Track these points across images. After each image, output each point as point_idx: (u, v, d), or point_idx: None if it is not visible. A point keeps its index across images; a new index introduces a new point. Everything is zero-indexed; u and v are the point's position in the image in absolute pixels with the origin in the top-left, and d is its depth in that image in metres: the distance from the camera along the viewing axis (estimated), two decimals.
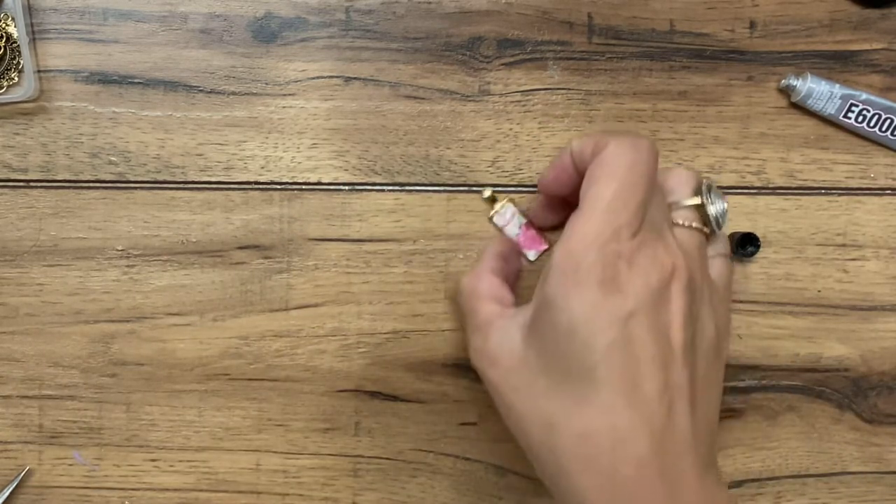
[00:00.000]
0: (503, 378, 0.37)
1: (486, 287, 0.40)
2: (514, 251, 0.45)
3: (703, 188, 0.38)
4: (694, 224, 0.38)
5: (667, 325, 0.35)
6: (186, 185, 0.46)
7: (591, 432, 0.34)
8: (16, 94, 0.44)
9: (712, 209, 0.38)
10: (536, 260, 0.46)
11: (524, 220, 0.45)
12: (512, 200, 0.45)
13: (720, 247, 0.40)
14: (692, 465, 0.34)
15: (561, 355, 0.34)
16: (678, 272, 0.35)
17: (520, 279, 0.46)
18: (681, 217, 0.38)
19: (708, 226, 0.38)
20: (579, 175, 0.38)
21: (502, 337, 0.37)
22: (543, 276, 0.36)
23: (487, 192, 0.45)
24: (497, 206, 0.45)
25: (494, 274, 0.41)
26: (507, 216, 0.45)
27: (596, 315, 0.34)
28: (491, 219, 0.45)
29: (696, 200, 0.38)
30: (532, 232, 0.45)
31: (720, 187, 0.47)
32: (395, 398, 0.47)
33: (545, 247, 0.45)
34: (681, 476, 0.34)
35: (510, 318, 0.38)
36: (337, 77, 0.46)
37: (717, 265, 0.40)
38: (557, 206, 0.43)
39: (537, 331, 0.36)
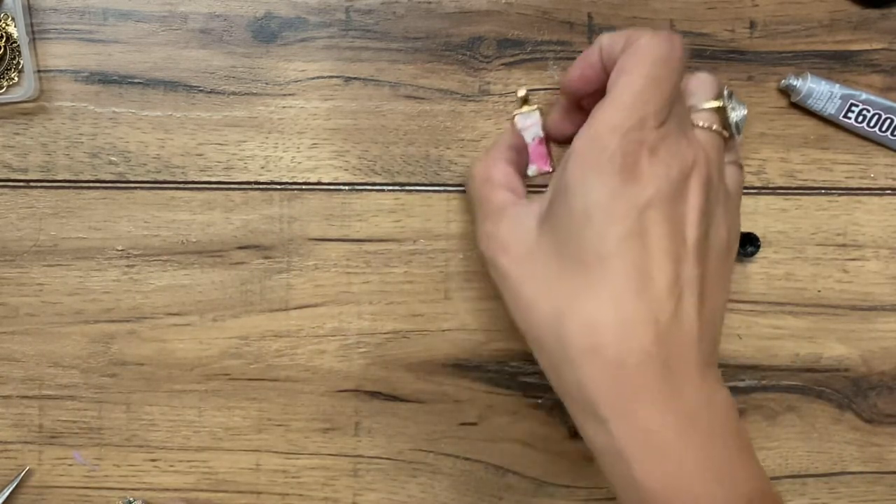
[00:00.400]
0: (514, 265, 0.37)
1: (500, 175, 0.40)
2: (525, 149, 0.44)
3: (725, 93, 0.38)
4: (714, 127, 0.37)
5: (682, 219, 0.35)
6: (186, 185, 0.46)
7: (599, 321, 0.34)
8: (16, 94, 0.44)
9: (733, 114, 0.38)
10: (534, 178, 0.45)
11: (541, 135, 0.44)
12: (541, 110, 0.45)
13: (735, 155, 0.40)
14: (695, 361, 0.34)
15: (575, 243, 0.34)
16: (698, 168, 0.35)
17: None
18: (701, 119, 0.37)
19: (727, 130, 0.38)
20: (606, 73, 0.37)
21: (515, 224, 0.37)
22: (562, 164, 0.36)
23: (522, 91, 0.45)
24: (525, 108, 0.45)
25: (508, 163, 0.41)
26: (530, 121, 0.44)
27: (613, 202, 0.34)
28: (513, 117, 0.45)
29: (718, 103, 0.38)
30: (543, 149, 0.44)
31: None
32: (395, 398, 0.47)
33: (548, 169, 0.45)
34: (683, 370, 0.34)
35: (524, 207, 0.38)
36: (337, 77, 0.46)
37: (731, 172, 0.39)
38: (575, 115, 0.42)
39: (552, 218, 0.36)
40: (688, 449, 0.33)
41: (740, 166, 0.40)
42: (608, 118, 0.34)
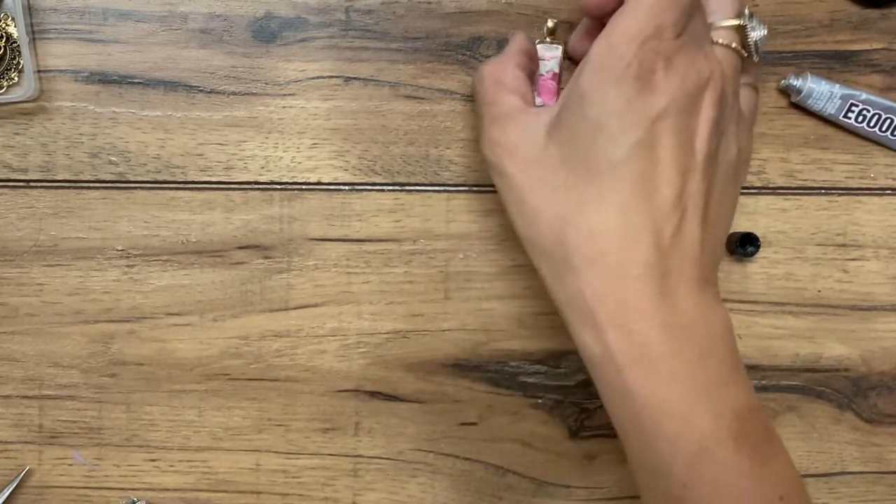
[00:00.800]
0: (520, 171, 0.37)
1: (512, 79, 0.39)
2: (535, 57, 0.43)
3: (746, 12, 0.38)
4: (733, 45, 0.37)
5: (693, 132, 0.35)
6: (186, 185, 0.46)
7: (604, 230, 0.34)
8: (16, 94, 0.44)
9: (753, 34, 0.38)
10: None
11: (557, 70, 0.44)
12: (566, 48, 0.45)
13: (752, 77, 0.40)
14: (695, 276, 0.35)
15: (585, 150, 0.35)
16: (713, 82, 0.35)
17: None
18: (720, 36, 0.37)
19: (746, 49, 0.38)
20: None
21: (524, 130, 0.37)
22: (577, 72, 0.36)
23: (551, 23, 0.44)
24: (549, 39, 0.44)
25: (520, 68, 0.40)
26: (550, 53, 0.44)
27: (627, 111, 0.34)
28: (536, 42, 0.44)
29: (738, 22, 0.37)
30: (555, 85, 0.44)
31: None
32: (395, 398, 0.47)
33: (552, 105, 0.45)
34: (682, 285, 0.34)
35: (532, 114, 0.38)
36: (337, 77, 0.46)
37: (746, 94, 0.39)
38: (596, 35, 0.42)
39: (563, 126, 0.36)
40: (681, 363, 0.34)
41: (756, 89, 0.40)
42: (626, 27, 0.34)
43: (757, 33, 0.38)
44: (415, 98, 0.46)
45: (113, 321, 0.46)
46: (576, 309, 0.35)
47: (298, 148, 0.46)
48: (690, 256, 0.35)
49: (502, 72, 0.40)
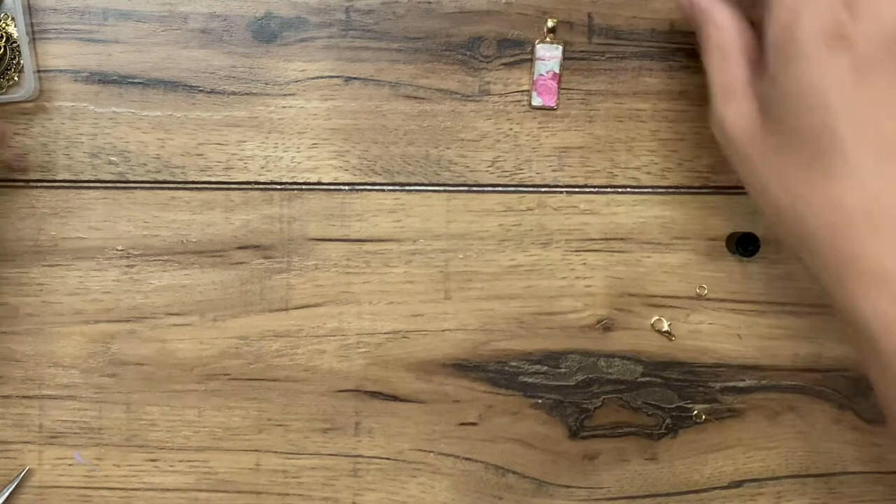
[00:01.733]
0: (747, 147, 0.36)
1: (744, 39, 0.37)
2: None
3: None
4: None
5: None
6: (186, 185, 0.46)
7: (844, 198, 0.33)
8: (16, 94, 0.44)
9: None
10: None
11: (557, 71, 0.44)
12: (565, 48, 0.45)
13: None
14: None
15: (801, 130, 0.33)
16: None
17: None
18: None
19: None
20: None
21: (748, 109, 0.36)
22: (777, 53, 0.34)
23: (552, 22, 0.44)
24: (550, 38, 0.45)
25: (748, 30, 0.37)
26: (550, 54, 0.44)
27: (825, 76, 0.32)
28: (536, 42, 0.45)
29: None
30: (555, 85, 0.44)
31: (720, 187, 0.47)
32: (395, 398, 0.47)
33: (552, 106, 0.45)
34: None
35: (756, 87, 0.36)
36: (337, 77, 0.46)
37: None
38: None
39: (771, 110, 0.34)
40: None
41: None
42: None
43: None
44: (415, 98, 0.46)
45: (113, 321, 0.46)
46: (863, 272, 0.33)
47: (298, 148, 0.46)
48: None
49: (737, 29, 0.37)
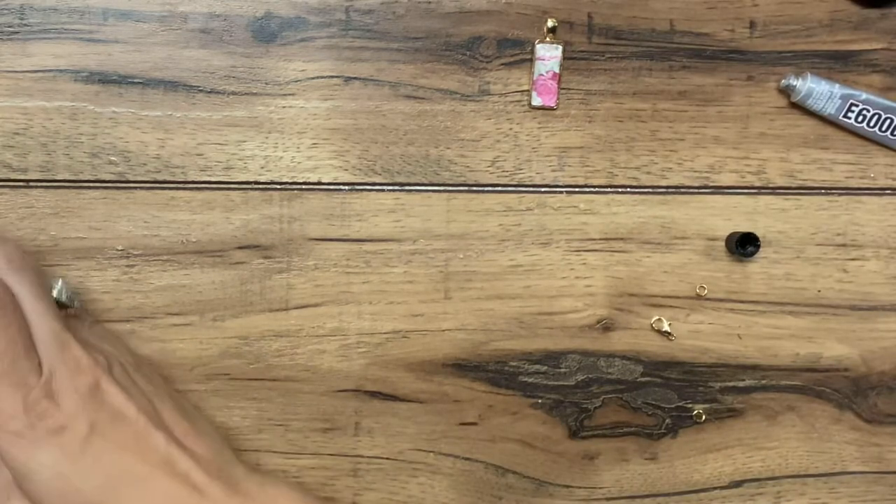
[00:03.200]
0: None
1: None
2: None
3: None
4: None
5: None
6: (186, 185, 0.46)
7: None
8: None
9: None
10: (537, 109, 0.46)
11: (557, 71, 0.44)
12: (565, 48, 0.45)
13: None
14: None
15: None
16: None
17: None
18: None
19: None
20: None
21: None
22: None
23: (551, 23, 0.44)
24: (550, 38, 0.44)
25: None
26: (550, 54, 0.44)
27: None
28: (536, 42, 0.44)
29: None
30: (554, 85, 0.44)
31: (720, 187, 0.47)
32: (395, 398, 0.47)
33: (552, 105, 0.45)
34: None
35: None
36: (337, 77, 0.46)
37: None
38: None
39: None
40: None
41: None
42: None
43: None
44: (415, 98, 0.46)
45: (113, 321, 0.46)
46: None
47: (298, 148, 0.46)
48: None
49: None
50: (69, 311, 0.42)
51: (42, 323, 0.38)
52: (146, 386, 0.40)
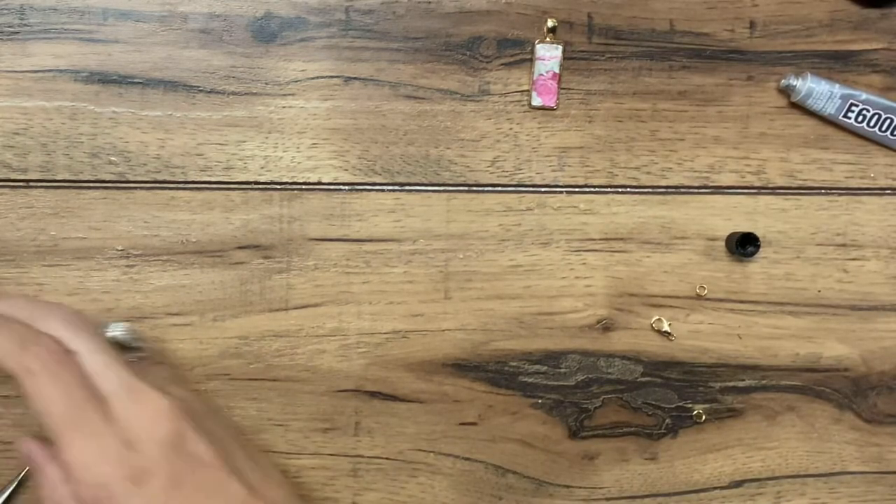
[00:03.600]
0: None
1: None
2: None
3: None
4: None
5: None
6: (186, 185, 0.46)
7: None
8: None
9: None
10: (537, 109, 0.46)
11: (557, 71, 0.44)
12: (565, 48, 0.45)
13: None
14: None
15: None
16: None
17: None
18: None
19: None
20: None
21: None
22: None
23: (552, 22, 0.44)
24: (550, 38, 0.44)
25: None
26: (550, 54, 0.44)
27: None
28: (536, 42, 0.44)
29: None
30: (554, 85, 0.44)
31: (720, 187, 0.47)
32: (395, 398, 0.47)
33: (552, 105, 0.45)
34: None
35: None
36: (337, 77, 0.46)
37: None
38: None
39: None
40: None
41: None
42: None
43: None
44: (415, 98, 0.46)
45: (113, 321, 0.46)
46: None
47: (298, 148, 0.46)
48: None
49: None
50: (137, 354, 0.41)
51: (107, 374, 0.38)
52: (220, 431, 0.40)
